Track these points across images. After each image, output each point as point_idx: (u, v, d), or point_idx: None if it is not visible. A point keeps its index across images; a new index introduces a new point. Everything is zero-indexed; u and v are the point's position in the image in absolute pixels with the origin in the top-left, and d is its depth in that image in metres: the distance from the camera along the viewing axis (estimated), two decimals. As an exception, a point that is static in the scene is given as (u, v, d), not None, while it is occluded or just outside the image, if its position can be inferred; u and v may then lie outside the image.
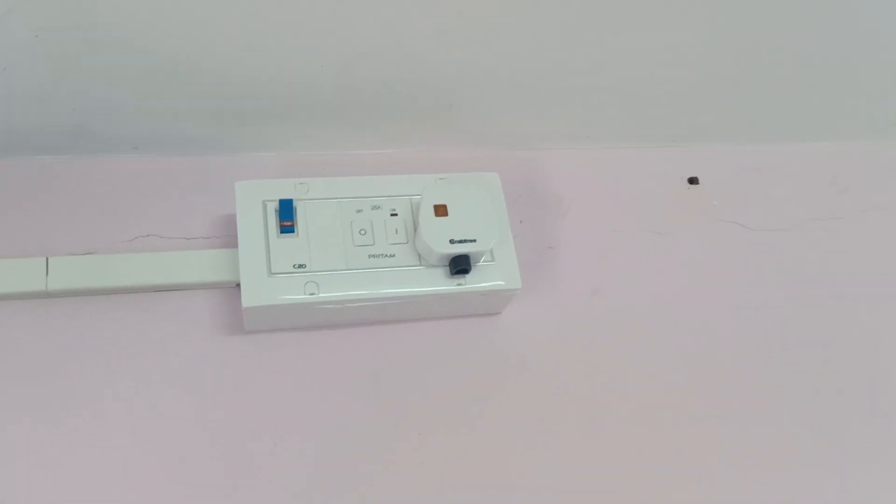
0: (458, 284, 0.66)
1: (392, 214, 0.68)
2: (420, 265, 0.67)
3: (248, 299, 0.63)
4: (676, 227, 0.79)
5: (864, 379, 0.76)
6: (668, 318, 0.74)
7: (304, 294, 0.64)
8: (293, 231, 0.66)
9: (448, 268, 0.66)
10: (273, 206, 0.66)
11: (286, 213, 0.66)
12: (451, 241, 0.65)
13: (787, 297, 0.78)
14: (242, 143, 0.73)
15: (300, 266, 0.65)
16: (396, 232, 0.67)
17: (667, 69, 0.73)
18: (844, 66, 0.77)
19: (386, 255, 0.66)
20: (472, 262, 0.66)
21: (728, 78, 0.76)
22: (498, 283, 0.67)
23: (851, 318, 0.79)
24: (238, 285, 0.66)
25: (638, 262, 0.77)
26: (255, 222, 0.66)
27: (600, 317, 0.74)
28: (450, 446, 0.66)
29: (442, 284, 0.66)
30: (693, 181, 0.81)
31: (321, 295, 0.64)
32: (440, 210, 0.66)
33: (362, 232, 0.67)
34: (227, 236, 0.70)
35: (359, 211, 0.68)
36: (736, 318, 0.76)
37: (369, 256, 0.66)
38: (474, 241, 0.65)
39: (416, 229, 0.67)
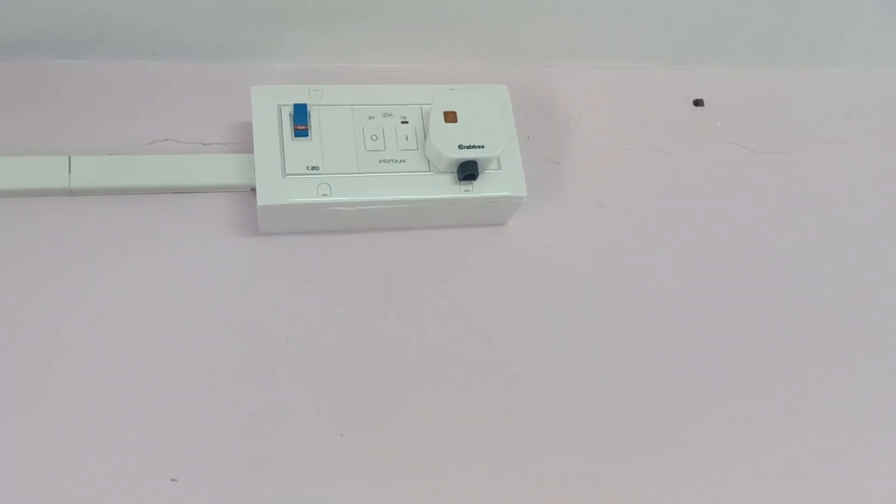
0: (466, 191, 0.69)
1: (403, 122, 0.70)
2: (429, 171, 0.69)
3: (263, 198, 0.65)
4: (681, 147, 0.80)
5: (862, 299, 0.78)
6: (672, 234, 0.77)
7: (317, 195, 0.66)
8: (307, 135, 0.68)
9: (456, 174, 0.68)
10: (288, 111, 0.68)
11: (300, 117, 0.68)
12: (460, 147, 0.67)
13: (788, 217, 0.80)
14: (259, 51, 0.75)
15: (313, 168, 0.67)
16: (407, 139, 0.69)
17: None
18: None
19: (396, 161, 0.68)
20: (479, 168, 0.68)
21: (737, 2, 0.77)
22: (504, 191, 0.69)
23: (851, 240, 0.80)
24: (253, 189, 0.68)
25: (643, 179, 0.79)
26: (270, 126, 0.68)
27: (606, 230, 0.76)
28: (455, 350, 0.69)
29: (450, 191, 0.68)
30: (698, 103, 0.82)
31: (333, 197, 0.66)
32: (450, 116, 0.68)
33: (374, 137, 0.69)
34: (244, 142, 0.72)
35: (370, 118, 0.69)
36: (737, 235, 0.78)
37: (380, 161, 0.68)
38: (482, 147, 0.67)
39: (426, 136, 0.69)
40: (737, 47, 0.83)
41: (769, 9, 0.79)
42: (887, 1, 0.81)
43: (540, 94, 0.80)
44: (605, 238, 0.76)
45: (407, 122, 0.70)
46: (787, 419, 0.72)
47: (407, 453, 0.65)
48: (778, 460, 0.70)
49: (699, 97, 0.82)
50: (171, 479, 0.61)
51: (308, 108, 0.68)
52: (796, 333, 0.75)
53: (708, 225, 0.78)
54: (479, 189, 0.69)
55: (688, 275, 0.75)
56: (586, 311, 0.73)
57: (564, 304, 0.72)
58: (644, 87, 0.82)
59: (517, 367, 0.70)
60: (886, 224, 0.82)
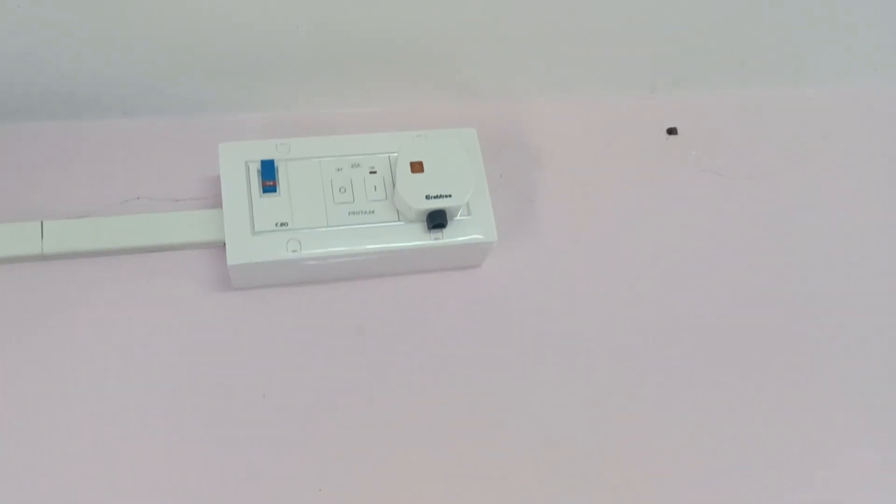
0: (436, 238, 0.69)
1: (371, 172, 0.70)
2: (399, 221, 0.69)
3: (233, 257, 0.66)
4: (656, 178, 0.80)
5: (843, 323, 0.78)
6: (649, 269, 0.76)
7: (287, 251, 0.66)
8: (275, 190, 0.68)
9: (425, 223, 0.68)
10: (255, 167, 0.68)
11: (268, 173, 0.68)
12: (427, 197, 0.67)
13: (767, 244, 0.79)
14: (227, 105, 0.75)
15: (282, 224, 0.67)
16: (375, 189, 0.69)
17: (645, 17, 0.74)
18: (824, 10, 0.77)
19: (365, 212, 0.69)
20: (448, 216, 0.68)
21: (707, 26, 0.77)
22: (474, 237, 0.70)
23: (830, 263, 0.80)
24: (224, 245, 0.68)
25: (618, 213, 0.78)
26: (238, 183, 0.68)
27: (581, 268, 0.76)
28: (434, 398, 0.69)
29: (420, 239, 0.69)
30: (672, 132, 0.82)
31: (303, 252, 0.67)
32: (416, 167, 0.68)
33: (342, 190, 0.69)
34: (215, 196, 0.72)
35: (339, 169, 0.70)
36: (715, 266, 0.78)
37: (349, 213, 0.68)
38: (450, 196, 0.67)
39: (394, 186, 0.69)
40: (708, 72, 0.82)
41: (739, 32, 0.78)
42: (859, 19, 0.80)
43: (511, 130, 0.80)
44: (581, 275, 0.75)
45: (375, 172, 0.70)
46: (763, 467, 0.72)
47: (387, 505, 0.66)
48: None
49: (672, 125, 0.82)
50: (151, 544, 0.62)
51: (275, 164, 0.68)
52: (777, 365, 0.75)
53: (685, 257, 0.78)
54: (449, 236, 0.69)
55: (666, 310, 0.75)
56: (563, 351, 0.73)
57: (541, 345, 0.72)
58: (616, 118, 0.82)
59: (497, 412, 0.70)
60: (865, 244, 0.82)
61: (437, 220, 0.67)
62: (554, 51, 0.77)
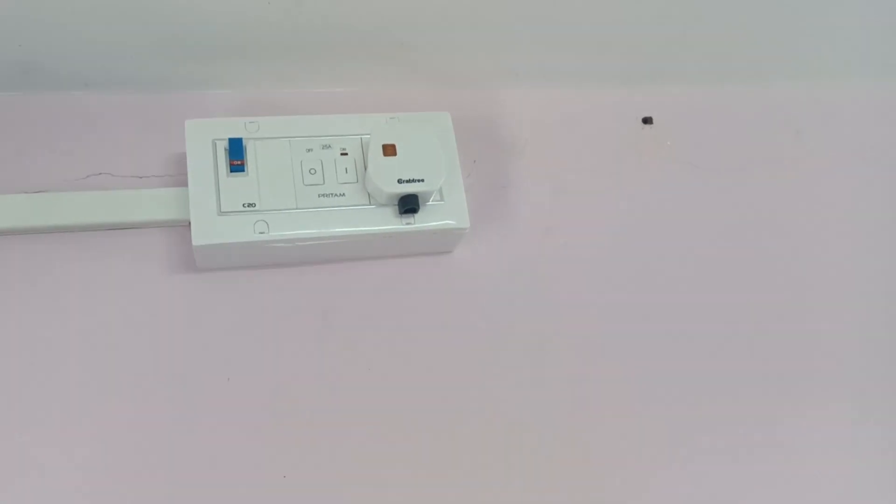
0: (407, 223, 0.67)
1: (342, 153, 0.68)
2: (370, 204, 0.67)
3: (199, 238, 0.64)
4: (630, 167, 0.80)
5: (813, 317, 0.78)
6: (621, 257, 0.76)
7: (254, 233, 0.65)
8: (243, 170, 0.66)
9: (397, 207, 0.67)
10: (223, 145, 0.67)
11: (236, 152, 0.66)
12: (399, 181, 0.66)
13: (739, 236, 0.80)
14: (194, 81, 0.73)
15: (250, 205, 0.65)
16: (346, 171, 0.68)
17: (622, 7, 0.73)
18: (800, 7, 0.77)
19: (336, 195, 0.67)
20: (420, 201, 0.67)
21: (683, 18, 0.76)
22: (446, 223, 0.68)
23: (801, 259, 0.80)
24: (188, 224, 0.66)
25: (591, 203, 0.78)
26: (204, 161, 0.66)
27: (553, 256, 0.75)
28: (401, 384, 0.68)
29: (391, 223, 0.67)
30: (647, 121, 0.82)
31: (271, 234, 0.65)
32: (389, 150, 0.66)
33: (312, 171, 0.67)
34: (180, 175, 0.70)
35: (309, 150, 0.68)
36: (688, 257, 0.77)
37: (319, 196, 0.67)
38: (422, 180, 0.66)
39: (365, 169, 0.67)
40: (684, 64, 0.82)
41: (716, 26, 0.78)
42: (833, 16, 0.80)
43: (486, 118, 0.79)
44: (553, 264, 0.75)
45: (346, 154, 0.68)
46: (735, 441, 0.72)
47: (353, 493, 0.64)
48: (725, 482, 0.71)
49: (647, 115, 0.81)
50: (108, 531, 0.60)
51: (244, 143, 0.67)
52: (748, 356, 0.75)
53: (657, 247, 0.77)
54: (421, 221, 0.68)
55: (636, 300, 0.75)
56: (533, 338, 0.72)
57: (511, 333, 0.72)
58: (591, 107, 0.81)
59: (464, 398, 0.69)
60: (838, 239, 0.82)
61: (408, 205, 0.66)
62: (530, 39, 0.76)
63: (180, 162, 0.70)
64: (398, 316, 0.70)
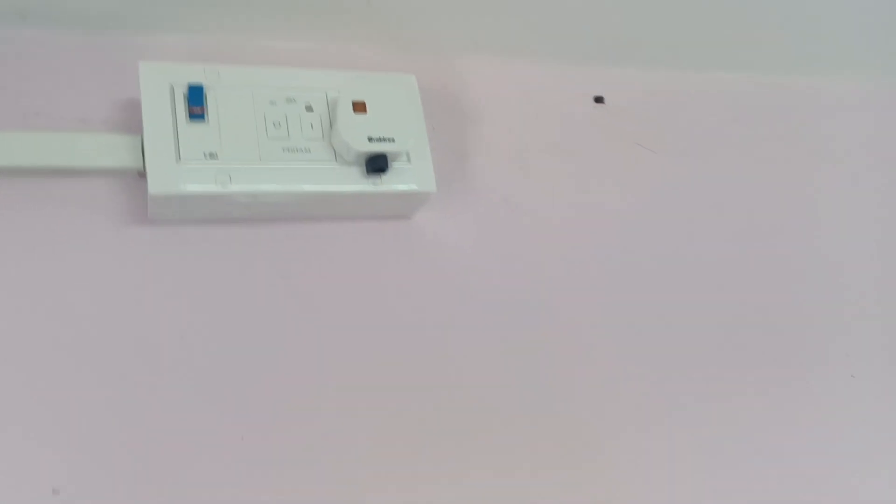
0: (374, 184, 0.66)
1: (307, 109, 0.66)
2: (336, 162, 0.65)
3: (156, 186, 0.60)
4: (582, 143, 0.81)
5: (758, 296, 0.81)
6: (575, 230, 0.77)
7: (216, 185, 0.62)
8: (203, 118, 0.63)
9: (364, 167, 0.65)
10: (182, 91, 0.63)
11: (196, 99, 0.63)
12: (370, 139, 0.64)
13: (682, 214, 0.82)
14: (147, 21, 0.69)
15: (211, 155, 0.62)
16: (312, 127, 0.66)
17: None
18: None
19: (301, 150, 0.65)
20: (388, 161, 0.65)
21: (645, 3, 0.78)
22: (413, 186, 0.67)
23: (747, 238, 0.83)
24: (140, 173, 0.63)
25: (546, 175, 0.78)
26: (161, 107, 0.62)
27: (510, 226, 0.75)
28: (356, 345, 0.67)
29: (357, 183, 0.66)
30: (599, 100, 0.83)
31: (233, 187, 0.62)
32: (359, 107, 0.65)
33: (276, 125, 0.65)
34: (127, 120, 0.66)
35: (272, 103, 0.65)
36: (637, 232, 0.79)
37: (283, 150, 0.64)
38: (393, 140, 0.64)
39: (332, 126, 0.65)
40: (639, 48, 0.84)
41: (672, 11, 0.80)
42: (780, 6, 0.84)
43: (445, 86, 0.78)
44: (509, 234, 0.75)
45: (312, 110, 0.66)
46: (685, 414, 0.75)
47: (311, 457, 0.63)
48: (675, 457, 0.73)
49: (600, 94, 0.83)
50: (53, 491, 0.56)
51: (204, 90, 0.63)
52: (696, 329, 0.78)
53: (609, 221, 0.79)
54: (387, 183, 0.66)
55: (590, 272, 0.76)
56: (490, 307, 0.72)
57: (469, 300, 0.71)
58: (548, 83, 0.82)
59: (419, 364, 0.68)
60: (779, 223, 0.86)
61: (377, 165, 0.65)
62: (492, 11, 0.76)
63: (129, 107, 0.67)
64: (358, 279, 0.69)
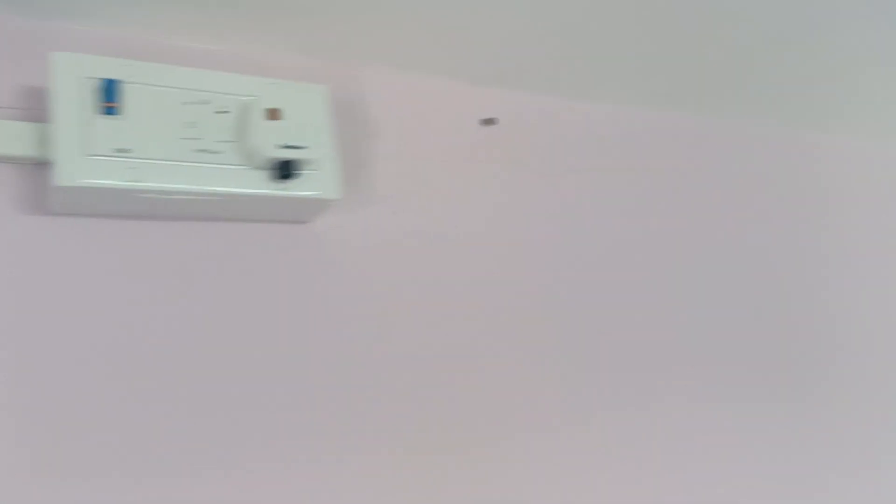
0: (281, 189, 0.68)
1: (221, 112, 0.68)
2: (245, 165, 0.67)
3: (63, 178, 0.60)
4: (474, 161, 0.86)
5: (614, 307, 0.89)
6: (465, 240, 0.82)
7: (125, 180, 0.62)
8: (116, 113, 0.63)
9: (273, 171, 0.68)
10: (95, 85, 0.63)
11: (109, 94, 0.63)
12: (281, 146, 0.66)
13: (558, 233, 0.89)
14: (59, 9, 0.68)
15: (122, 151, 0.63)
16: (224, 130, 0.67)
17: (489, 10, 0.79)
18: (632, 35, 0.88)
19: (212, 152, 0.66)
20: (297, 168, 0.68)
21: (535, 33, 0.83)
22: (319, 193, 0.70)
23: (611, 256, 0.91)
24: (41, 163, 0.62)
25: (440, 188, 0.83)
26: (72, 98, 0.62)
27: (403, 235, 0.79)
28: (252, 341, 0.69)
29: (265, 187, 0.68)
30: (491, 121, 0.88)
31: (144, 183, 0.63)
32: (273, 114, 0.67)
33: (190, 125, 0.66)
34: (30, 110, 0.65)
35: (187, 103, 0.66)
36: (518, 246, 0.85)
37: (195, 150, 0.66)
38: (304, 148, 0.67)
39: (244, 129, 0.67)
40: (537, 74, 0.89)
41: (564, 42, 0.86)
42: (649, 44, 0.91)
43: (348, 96, 0.81)
44: (403, 243, 0.79)
45: (226, 113, 0.68)
46: (556, 412, 0.81)
47: (201, 438, 0.64)
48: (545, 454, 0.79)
49: (492, 116, 0.88)
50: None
51: (119, 85, 0.64)
52: (581, 339, 0.84)
53: (491, 234, 0.84)
54: (295, 188, 0.69)
55: (478, 280, 0.81)
56: (381, 311, 0.76)
57: (361, 304, 0.75)
58: (448, 99, 0.86)
59: (307, 361, 0.71)
60: (655, 246, 0.94)
61: (286, 171, 0.67)
62: (403, 28, 0.79)
63: (31, 96, 0.66)
64: (255, 278, 0.71)
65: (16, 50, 0.66)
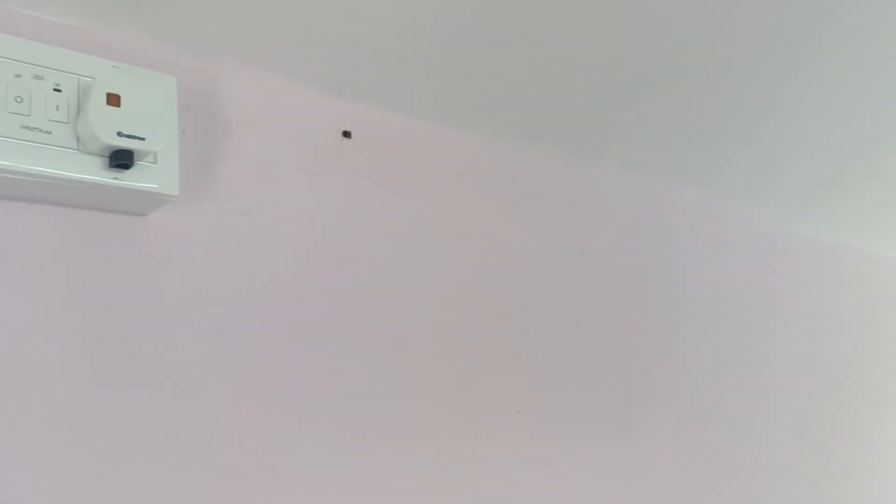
0: (115, 178, 0.66)
1: (55, 89, 0.64)
2: (77, 149, 0.64)
3: None
4: (325, 171, 0.86)
5: (449, 337, 0.91)
6: (305, 251, 0.82)
7: (-61, 150, 0.58)
8: (-65, 78, 0.59)
9: (108, 159, 0.65)
10: (-87, 44, 0.59)
11: (-71, 56, 0.59)
12: (119, 134, 0.64)
13: (400, 248, 0.90)
14: None
15: (-62, 118, 0.58)
16: (57, 109, 0.64)
17: (359, 21, 0.79)
18: (502, 67, 0.91)
19: (42, 131, 0.63)
20: (134, 158, 0.65)
21: (405, 51, 0.85)
22: (154, 186, 0.68)
23: (462, 276, 0.93)
24: None
25: (287, 195, 0.82)
26: None
27: (246, 238, 0.78)
28: (66, 331, 0.66)
29: (98, 174, 0.65)
30: (347, 134, 0.89)
31: (-41, 155, 0.59)
32: (113, 99, 0.64)
33: (18, 99, 0.62)
34: None
35: (18, 76, 0.63)
36: (364, 262, 0.86)
37: (22, 127, 0.62)
38: (143, 139, 0.65)
39: (80, 112, 0.64)
40: (397, 94, 0.90)
41: (433, 65, 0.88)
42: (517, 78, 0.95)
43: (202, 91, 0.79)
44: (245, 246, 0.78)
45: (60, 91, 0.64)
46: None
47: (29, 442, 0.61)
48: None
49: (348, 129, 0.89)
50: None
51: (-59, 48, 0.59)
52: (414, 348, 0.86)
53: (335, 245, 0.84)
54: (129, 179, 0.66)
55: (316, 289, 0.81)
56: (212, 312, 0.74)
57: (191, 302, 0.73)
58: (305, 106, 0.86)
59: (131, 357, 0.69)
60: (480, 273, 0.96)
61: (122, 160, 0.65)
62: (267, 28, 0.78)
63: None
64: (84, 269, 0.68)
65: None
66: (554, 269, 1.03)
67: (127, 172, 0.66)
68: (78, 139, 0.64)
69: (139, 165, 0.67)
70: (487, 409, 0.91)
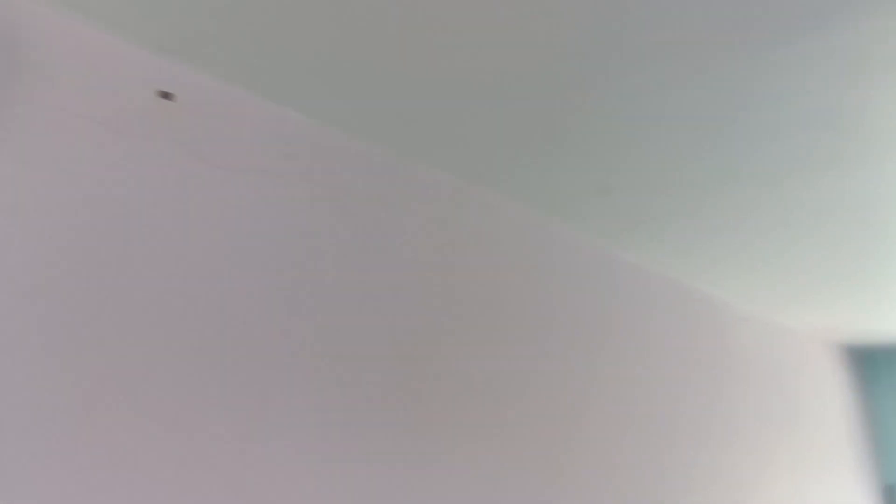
0: None
1: None
2: None
3: None
4: (133, 132, 0.83)
5: (226, 316, 0.89)
6: (91, 212, 0.79)
7: None
8: None
9: None
10: None
11: None
12: None
13: (209, 234, 0.88)
14: None
15: None
16: None
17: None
18: (350, 55, 0.89)
19: None
20: None
21: (241, 16, 0.82)
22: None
23: (243, 269, 0.91)
24: None
25: (82, 150, 0.79)
26: None
27: (23, 191, 0.74)
28: None
29: None
30: (167, 95, 0.86)
31: None
32: None
33: None
34: None
35: None
36: (154, 242, 0.83)
37: None
38: None
39: None
40: (228, 60, 0.88)
41: (271, 34, 0.85)
42: (362, 71, 0.93)
43: (7, 34, 0.75)
44: (19, 201, 0.74)
45: None
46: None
47: None
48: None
49: (169, 90, 0.86)
50: None
51: None
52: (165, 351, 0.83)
53: (129, 217, 0.82)
54: None
55: (90, 262, 0.79)
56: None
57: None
58: (123, 60, 0.83)
59: None
60: (283, 258, 0.95)
61: None
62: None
63: None
64: None
65: None
66: (366, 268, 1.02)
67: None
68: None
69: None
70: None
